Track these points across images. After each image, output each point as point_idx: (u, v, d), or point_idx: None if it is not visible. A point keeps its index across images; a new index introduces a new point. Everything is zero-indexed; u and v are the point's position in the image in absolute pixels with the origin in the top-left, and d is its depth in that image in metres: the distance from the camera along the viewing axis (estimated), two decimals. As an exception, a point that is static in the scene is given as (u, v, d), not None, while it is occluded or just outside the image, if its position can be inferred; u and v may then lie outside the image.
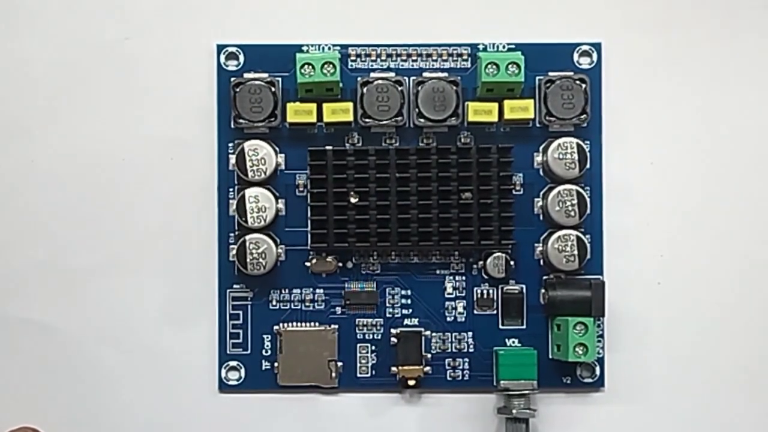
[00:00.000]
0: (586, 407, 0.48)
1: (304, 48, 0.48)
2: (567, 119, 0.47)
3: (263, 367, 0.48)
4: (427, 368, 0.48)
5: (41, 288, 0.48)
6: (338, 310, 0.48)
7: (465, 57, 0.48)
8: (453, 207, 0.47)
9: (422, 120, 0.47)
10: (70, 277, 0.48)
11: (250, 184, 0.47)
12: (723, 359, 0.48)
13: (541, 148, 0.48)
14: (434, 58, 0.48)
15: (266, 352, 0.48)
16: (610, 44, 0.48)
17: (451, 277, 0.48)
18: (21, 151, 0.48)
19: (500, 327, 0.48)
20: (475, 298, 0.48)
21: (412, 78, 0.47)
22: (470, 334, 0.48)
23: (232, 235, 0.48)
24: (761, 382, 0.49)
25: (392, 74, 0.48)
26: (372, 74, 0.48)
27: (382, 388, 0.48)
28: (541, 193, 0.48)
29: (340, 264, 0.48)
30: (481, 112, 0.47)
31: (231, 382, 0.48)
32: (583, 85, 0.47)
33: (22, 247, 0.48)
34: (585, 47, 0.48)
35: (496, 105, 0.47)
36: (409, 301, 0.48)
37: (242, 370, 0.48)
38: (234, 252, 0.47)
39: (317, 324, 0.48)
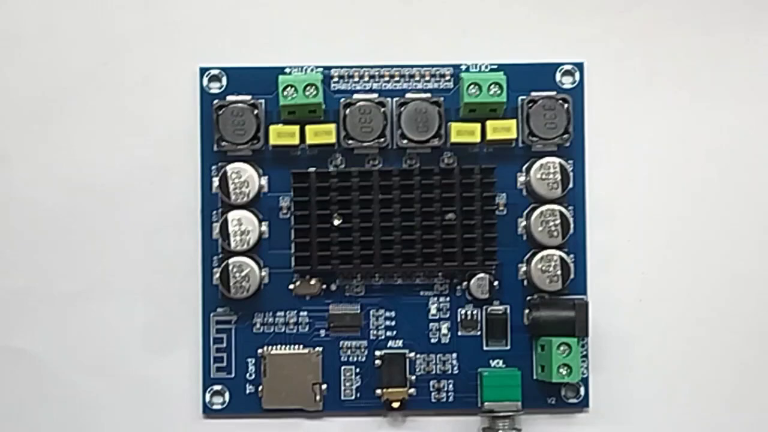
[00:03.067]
0: (571, 428, 0.48)
1: (287, 70, 0.48)
2: (550, 139, 0.47)
3: (247, 391, 0.48)
4: (412, 390, 0.48)
5: (22, 314, 0.48)
6: (322, 332, 0.48)
7: (447, 77, 0.48)
8: (436, 228, 0.47)
9: (405, 141, 0.47)
10: (52, 302, 0.48)
11: (233, 207, 0.47)
12: (706, 376, 0.48)
13: (524, 168, 0.48)
14: (417, 78, 0.48)
15: (250, 375, 0.48)
16: (593, 64, 0.48)
17: (435, 299, 0.48)
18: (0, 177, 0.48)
19: (484, 348, 0.48)
20: (459, 320, 0.48)
21: (394, 99, 0.47)
22: (454, 355, 0.48)
23: (215, 258, 0.48)
24: (745, 398, 0.48)
25: (375, 95, 0.47)
26: (355, 95, 0.47)
27: (366, 410, 0.48)
28: (525, 213, 0.48)
29: (324, 286, 0.48)
30: (463, 132, 0.47)
31: (215, 407, 0.48)
32: (566, 105, 0.47)
33: (2, 273, 0.48)
34: (567, 67, 0.48)
35: (478, 125, 0.47)
36: (393, 323, 0.48)
37: (226, 394, 0.48)
38: (217, 275, 0.47)
39: (301, 347, 0.48)
